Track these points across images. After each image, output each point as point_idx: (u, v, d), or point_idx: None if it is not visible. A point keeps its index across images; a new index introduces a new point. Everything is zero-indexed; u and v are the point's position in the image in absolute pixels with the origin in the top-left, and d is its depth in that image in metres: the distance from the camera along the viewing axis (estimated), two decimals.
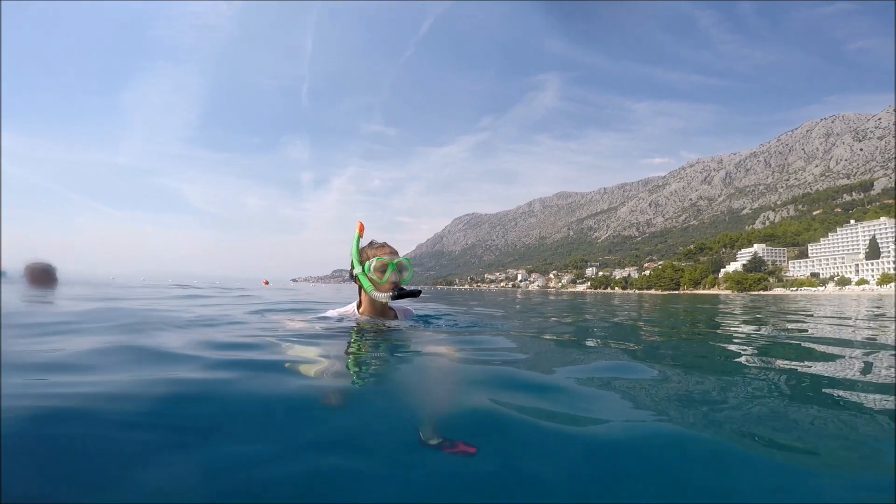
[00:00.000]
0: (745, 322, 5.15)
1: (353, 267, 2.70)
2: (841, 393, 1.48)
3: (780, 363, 2.23)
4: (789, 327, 4.29)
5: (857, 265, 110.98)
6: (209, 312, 3.72)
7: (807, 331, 3.97)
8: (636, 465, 0.94)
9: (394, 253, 2.76)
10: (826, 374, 1.89)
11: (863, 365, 2.15)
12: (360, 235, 2.74)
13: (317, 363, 1.78)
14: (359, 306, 2.79)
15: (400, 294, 2.64)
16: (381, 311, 2.75)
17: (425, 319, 3.12)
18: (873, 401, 1.39)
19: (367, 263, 2.64)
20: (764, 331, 3.92)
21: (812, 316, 6.26)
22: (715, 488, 0.87)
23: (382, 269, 2.62)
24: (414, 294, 2.72)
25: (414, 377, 1.62)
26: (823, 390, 1.56)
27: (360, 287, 2.72)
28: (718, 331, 4.12)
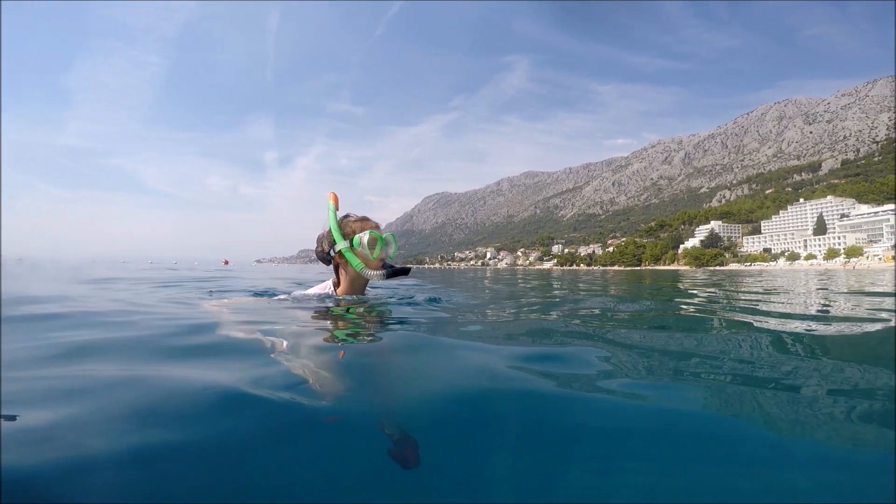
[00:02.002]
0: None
1: (333, 242, 2.36)
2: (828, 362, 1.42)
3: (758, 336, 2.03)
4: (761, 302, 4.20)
5: (805, 241, 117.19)
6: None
7: (776, 304, 3.89)
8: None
9: (378, 227, 2.48)
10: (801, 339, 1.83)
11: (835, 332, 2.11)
12: (337, 208, 2.43)
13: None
14: (335, 286, 2.49)
15: (393, 272, 2.39)
16: (361, 291, 2.47)
17: (393, 299, 2.81)
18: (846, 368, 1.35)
19: (355, 238, 2.34)
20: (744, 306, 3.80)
21: (780, 292, 6.30)
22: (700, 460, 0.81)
23: (374, 244, 2.35)
24: (405, 272, 2.47)
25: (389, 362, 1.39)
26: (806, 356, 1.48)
27: (340, 265, 2.43)
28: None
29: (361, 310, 2.27)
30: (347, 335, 1.72)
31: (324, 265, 2.51)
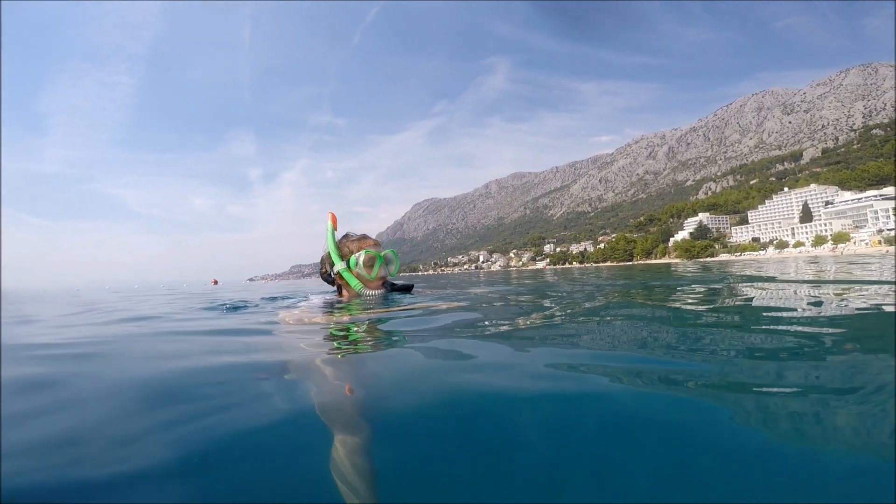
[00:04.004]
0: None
1: (332, 264, 2.32)
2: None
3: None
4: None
5: (792, 229, 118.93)
6: None
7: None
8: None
9: (377, 244, 2.43)
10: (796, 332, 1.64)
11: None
12: (335, 228, 2.39)
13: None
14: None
15: (393, 290, 2.34)
16: None
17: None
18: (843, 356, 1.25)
19: (351, 258, 2.28)
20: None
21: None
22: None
23: (371, 264, 2.29)
24: (407, 289, 2.41)
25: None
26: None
27: (341, 286, 2.39)
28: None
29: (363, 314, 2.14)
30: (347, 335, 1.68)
31: (326, 284, 2.48)
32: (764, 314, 1.90)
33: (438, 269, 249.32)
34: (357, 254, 2.29)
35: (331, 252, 2.33)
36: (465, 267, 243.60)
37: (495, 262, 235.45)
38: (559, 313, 2.01)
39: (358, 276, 2.29)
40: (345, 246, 2.37)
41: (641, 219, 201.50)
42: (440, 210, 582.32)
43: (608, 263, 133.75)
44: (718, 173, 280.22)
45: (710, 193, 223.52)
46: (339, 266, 2.30)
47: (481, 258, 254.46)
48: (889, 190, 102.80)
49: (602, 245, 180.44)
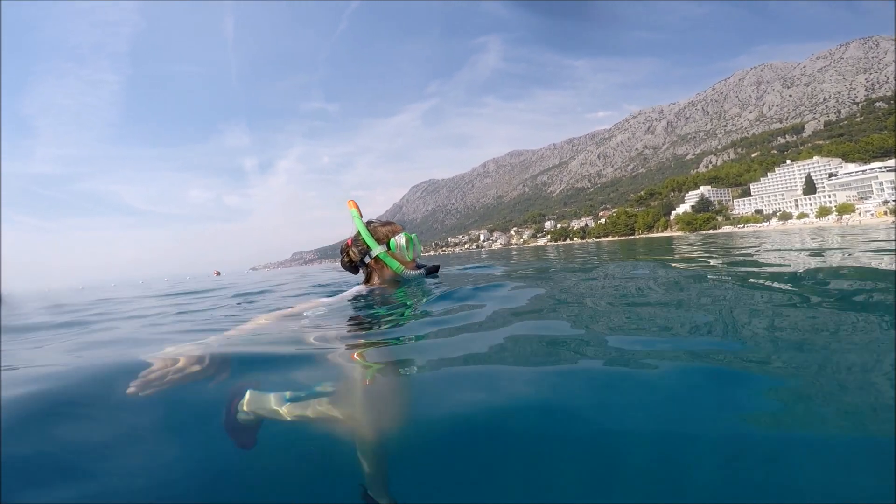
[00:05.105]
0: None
1: (365, 249, 2.39)
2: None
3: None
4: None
5: (796, 200, 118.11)
6: None
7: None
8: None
9: (403, 229, 2.54)
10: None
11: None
12: (360, 214, 2.48)
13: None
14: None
15: (428, 271, 2.50)
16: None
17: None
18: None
19: (391, 241, 2.39)
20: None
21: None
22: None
23: (408, 246, 2.44)
24: (436, 270, 2.57)
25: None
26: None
27: (374, 271, 2.43)
28: None
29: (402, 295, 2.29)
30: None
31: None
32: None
33: (439, 250, 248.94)
34: (397, 237, 2.40)
35: (364, 237, 2.39)
36: (466, 246, 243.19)
37: (496, 241, 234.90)
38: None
39: (398, 258, 2.40)
40: (377, 231, 2.45)
41: (642, 193, 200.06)
42: (438, 191, 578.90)
43: (609, 238, 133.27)
44: (719, 147, 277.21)
45: (710, 167, 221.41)
46: (379, 250, 2.37)
47: (482, 237, 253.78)
48: (893, 162, 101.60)
49: (603, 220, 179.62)
